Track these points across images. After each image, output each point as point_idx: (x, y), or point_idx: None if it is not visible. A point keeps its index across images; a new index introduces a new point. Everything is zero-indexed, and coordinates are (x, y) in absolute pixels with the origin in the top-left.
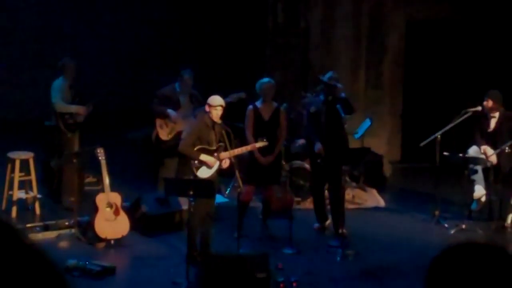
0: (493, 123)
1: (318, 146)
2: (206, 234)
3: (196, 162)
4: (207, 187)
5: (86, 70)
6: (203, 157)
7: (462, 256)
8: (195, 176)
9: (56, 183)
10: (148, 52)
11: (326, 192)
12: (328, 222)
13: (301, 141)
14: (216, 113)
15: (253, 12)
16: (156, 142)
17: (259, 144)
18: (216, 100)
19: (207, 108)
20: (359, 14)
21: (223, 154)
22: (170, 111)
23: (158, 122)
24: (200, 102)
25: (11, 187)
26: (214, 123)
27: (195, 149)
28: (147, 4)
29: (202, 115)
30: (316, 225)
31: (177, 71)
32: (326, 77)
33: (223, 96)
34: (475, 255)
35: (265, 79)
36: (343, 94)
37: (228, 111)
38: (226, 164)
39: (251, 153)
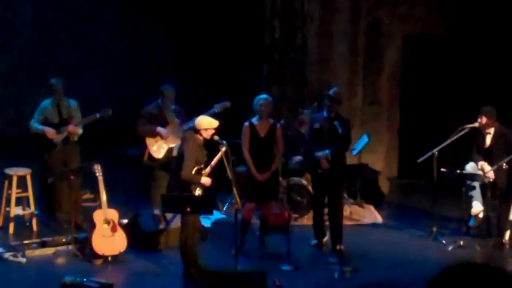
0: (488, 139)
1: (322, 153)
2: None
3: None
4: (205, 203)
5: (85, 86)
6: (203, 179)
7: (460, 277)
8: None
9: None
10: (143, 68)
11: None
12: (326, 239)
13: (298, 158)
14: (207, 134)
15: (250, 28)
16: (149, 160)
17: (223, 149)
18: (207, 123)
19: (198, 130)
20: (356, 30)
21: (206, 171)
22: (159, 128)
23: (149, 141)
24: (183, 117)
25: (8, 204)
26: (204, 141)
27: (193, 172)
28: (144, 21)
29: (192, 134)
30: (314, 241)
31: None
32: (332, 92)
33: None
34: (474, 276)
35: (262, 96)
36: None
37: (225, 127)
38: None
39: (248, 170)
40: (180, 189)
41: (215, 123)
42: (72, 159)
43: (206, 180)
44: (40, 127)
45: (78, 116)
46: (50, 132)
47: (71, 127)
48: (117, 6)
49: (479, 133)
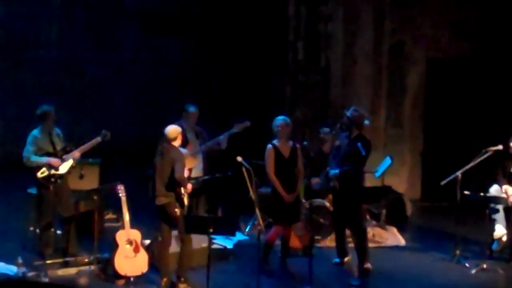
0: None
1: (333, 173)
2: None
3: (182, 191)
4: (228, 224)
5: (106, 106)
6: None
7: None
8: (183, 205)
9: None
10: (167, 88)
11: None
12: (348, 258)
13: (316, 180)
14: (179, 143)
15: (273, 49)
16: None
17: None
18: (176, 132)
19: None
20: (380, 52)
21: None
22: (180, 148)
23: None
24: (204, 138)
25: (31, 223)
26: None
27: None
28: (165, 41)
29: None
30: (336, 260)
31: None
32: (349, 113)
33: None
34: None
35: (280, 117)
36: (367, 122)
37: (247, 148)
38: None
39: (274, 192)
40: (166, 189)
41: (179, 129)
42: (65, 196)
43: (189, 186)
44: (44, 158)
45: (63, 144)
46: (55, 161)
47: (75, 153)
48: (140, 26)
49: (506, 156)
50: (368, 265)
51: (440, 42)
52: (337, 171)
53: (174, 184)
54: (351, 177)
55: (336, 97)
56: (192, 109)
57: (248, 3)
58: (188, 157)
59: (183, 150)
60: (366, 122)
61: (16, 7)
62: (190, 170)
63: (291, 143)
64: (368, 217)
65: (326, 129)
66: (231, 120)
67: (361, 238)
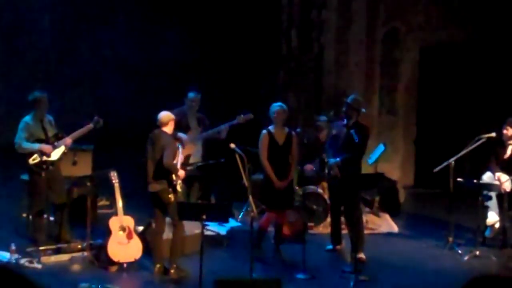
0: (509, 150)
1: (333, 161)
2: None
3: (174, 177)
4: (221, 211)
5: (102, 91)
6: (180, 172)
7: None
8: (176, 192)
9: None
10: (161, 75)
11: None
12: (341, 246)
13: (310, 166)
14: (171, 128)
15: (266, 37)
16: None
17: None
18: (168, 118)
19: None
20: (373, 39)
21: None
22: (181, 134)
23: None
24: (206, 125)
25: (25, 209)
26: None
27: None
28: (162, 27)
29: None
30: (329, 247)
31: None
32: (349, 99)
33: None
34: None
35: (277, 104)
36: (363, 110)
37: (239, 134)
38: None
39: (266, 178)
40: (158, 176)
41: (172, 115)
42: (57, 183)
43: (181, 173)
44: (36, 145)
45: (55, 131)
46: (47, 148)
47: (67, 140)
48: (136, 14)
49: (500, 144)
50: (362, 256)
51: (434, 30)
52: (337, 159)
53: (166, 171)
54: (351, 165)
55: (329, 84)
56: (193, 95)
57: None
58: (187, 143)
59: (183, 136)
60: (363, 110)
61: None
62: (188, 156)
63: (287, 129)
64: (361, 204)
65: (323, 118)
66: (223, 108)
67: (356, 225)
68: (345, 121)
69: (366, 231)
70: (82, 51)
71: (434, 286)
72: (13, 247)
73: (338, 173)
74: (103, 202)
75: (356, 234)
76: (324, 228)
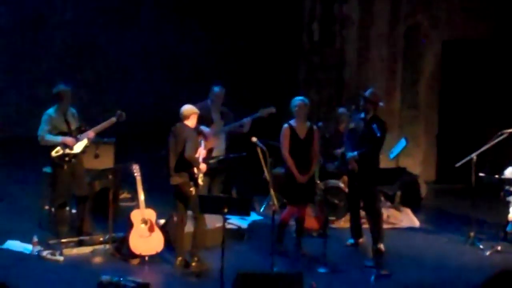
0: None
1: (351, 155)
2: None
3: (196, 170)
4: (242, 204)
5: (126, 85)
6: (201, 165)
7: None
8: (197, 185)
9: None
10: (184, 69)
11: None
12: (362, 239)
13: (339, 151)
14: (193, 122)
15: (288, 31)
16: None
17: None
18: (191, 111)
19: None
20: (395, 34)
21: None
22: (203, 128)
23: None
24: (230, 119)
25: (46, 202)
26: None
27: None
28: (182, 22)
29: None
30: (350, 241)
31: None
32: (367, 93)
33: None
34: None
35: (298, 98)
36: (381, 103)
37: (261, 128)
38: None
39: (287, 172)
40: (180, 169)
41: (195, 109)
42: (79, 175)
43: (203, 166)
44: (59, 137)
45: (78, 124)
46: (70, 140)
47: (90, 133)
48: (160, 8)
49: None
50: (381, 246)
51: (456, 24)
52: (355, 153)
53: (187, 164)
54: (369, 159)
55: (351, 78)
56: (217, 89)
57: None
58: (210, 137)
59: (206, 130)
60: (381, 104)
61: None
62: (211, 150)
63: (308, 124)
64: (382, 198)
65: (343, 109)
66: (245, 101)
67: (376, 219)
68: (362, 115)
69: (387, 226)
70: (105, 44)
71: (455, 281)
72: (35, 239)
73: (355, 167)
74: (125, 195)
75: (376, 227)
76: (345, 222)
